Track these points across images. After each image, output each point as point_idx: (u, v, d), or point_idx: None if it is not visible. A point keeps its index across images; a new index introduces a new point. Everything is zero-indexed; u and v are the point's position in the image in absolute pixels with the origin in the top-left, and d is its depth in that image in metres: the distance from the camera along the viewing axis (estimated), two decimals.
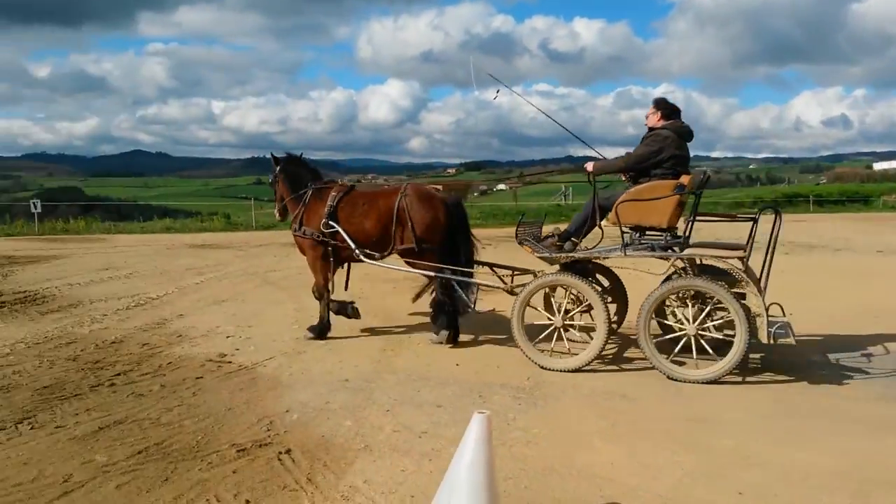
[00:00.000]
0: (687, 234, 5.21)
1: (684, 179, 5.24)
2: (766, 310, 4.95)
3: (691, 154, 5.55)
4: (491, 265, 6.30)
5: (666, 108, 5.60)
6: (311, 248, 6.55)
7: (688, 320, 5.10)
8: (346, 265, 6.75)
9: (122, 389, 4.93)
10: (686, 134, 5.54)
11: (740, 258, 5.05)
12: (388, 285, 9.49)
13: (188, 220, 26.87)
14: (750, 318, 4.89)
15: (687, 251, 5.21)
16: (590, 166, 5.58)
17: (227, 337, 6.60)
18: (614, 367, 5.52)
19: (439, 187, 6.29)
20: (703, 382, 4.98)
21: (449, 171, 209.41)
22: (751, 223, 5.38)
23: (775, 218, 5.37)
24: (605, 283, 6.22)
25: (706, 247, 5.52)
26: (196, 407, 4.56)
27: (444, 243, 6.11)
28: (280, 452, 3.80)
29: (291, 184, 6.85)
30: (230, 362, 5.66)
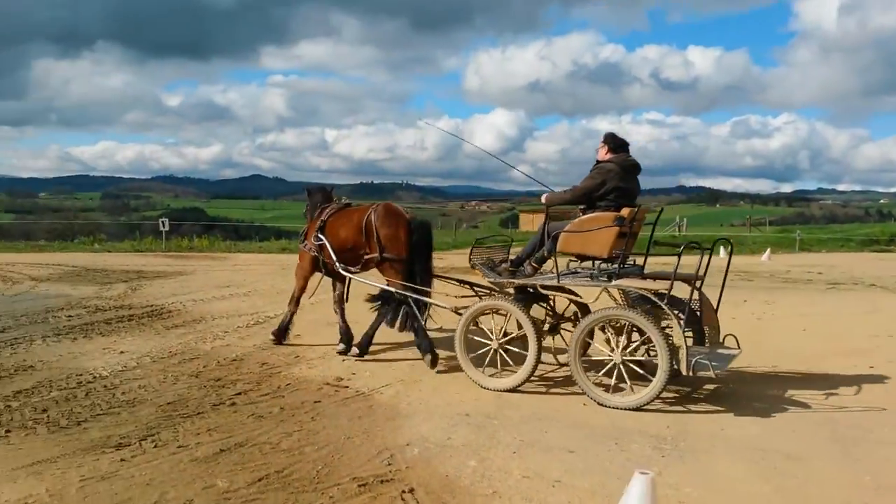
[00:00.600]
0: (641, 263, 5.60)
1: (624, 212, 5.41)
2: (712, 339, 5.46)
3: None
4: (449, 279, 6.87)
5: (613, 143, 5.80)
6: (303, 258, 7.32)
7: (616, 348, 5.17)
8: (346, 281, 7.14)
9: (243, 410, 4.86)
10: (631, 167, 5.71)
11: (665, 289, 5.06)
12: None
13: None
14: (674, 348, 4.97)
15: (616, 281, 5.31)
16: (544, 198, 5.89)
17: (343, 360, 6.47)
18: (762, 414, 4.91)
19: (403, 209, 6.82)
20: (627, 409, 5.00)
21: None
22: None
23: (730, 249, 6.21)
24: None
25: (656, 277, 5.48)
26: (315, 433, 4.39)
27: (404, 258, 6.43)
28: (403, 491, 3.54)
29: (311, 208, 7.56)
30: (347, 387, 5.50)
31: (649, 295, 5.22)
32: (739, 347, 5.54)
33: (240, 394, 5.25)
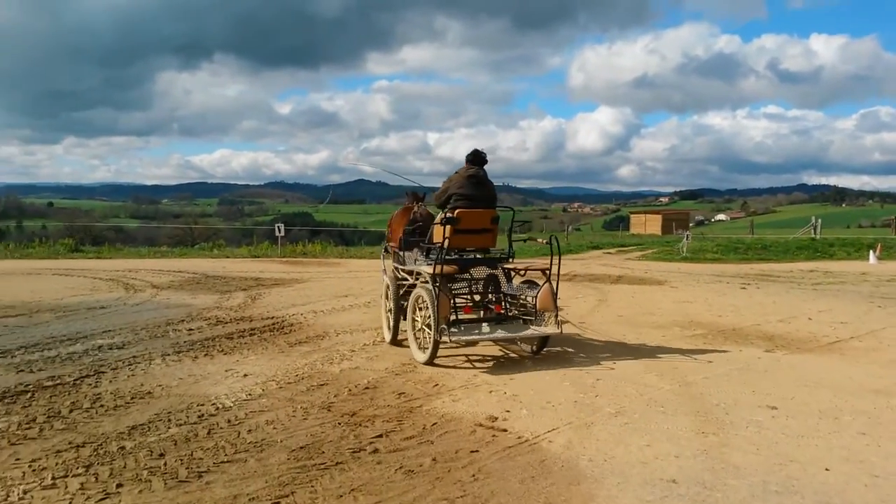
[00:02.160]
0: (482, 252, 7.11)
1: (457, 213, 6.72)
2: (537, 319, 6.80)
3: None
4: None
5: (469, 157, 7.11)
6: None
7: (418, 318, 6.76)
8: None
9: (388, 460, 3.99)
10: (472, 177, 6.96)
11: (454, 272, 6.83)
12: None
13: None
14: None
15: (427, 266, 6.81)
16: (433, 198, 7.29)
17: (490, 391, 5.52)
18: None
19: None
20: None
21: (661, 199, 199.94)
22: None
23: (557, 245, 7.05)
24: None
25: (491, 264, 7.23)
26: (484, 501, 3.45)
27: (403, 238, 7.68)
28: None
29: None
30: (505, 430, 4.54)
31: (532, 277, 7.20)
32: (560, 330, 6.65)
33: (381, 436, 4.40)
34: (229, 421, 4.69)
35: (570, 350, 7.15)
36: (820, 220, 35.25)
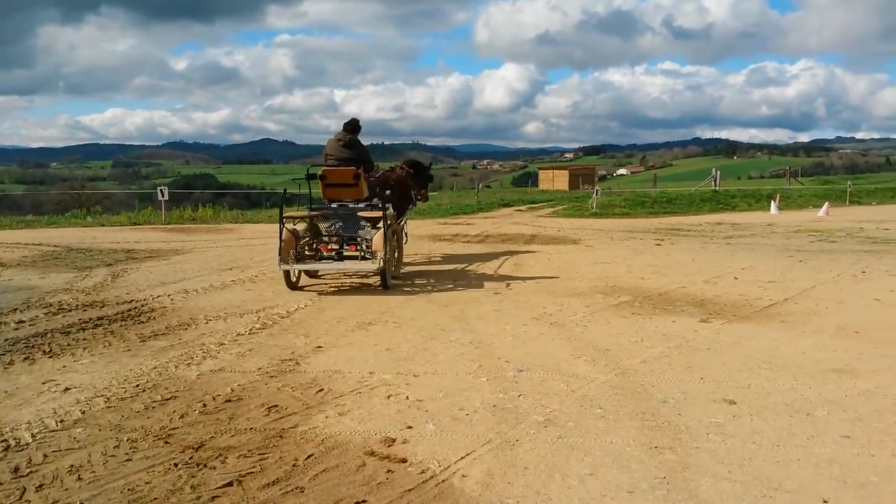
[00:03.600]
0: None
1: (322, 171, 8.53)
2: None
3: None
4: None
5: (344, 123, 8.99)
6: None
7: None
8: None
9: None
10: (334, 141, 8.84)
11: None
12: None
13: None
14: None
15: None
16: None
17: (388, 395, 4.38)
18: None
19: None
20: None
21: (566, 155, 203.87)
22: None
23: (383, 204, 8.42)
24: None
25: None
26: None
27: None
28: None
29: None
30: (405, 460, 3.41)
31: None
32: (379, 267, 7.96)
33: (231, 483, 3.17)
34: (16, 469, 3.33)
35: (484, 332, 6.11)
36: (719, 172, 36.06)
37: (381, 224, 8.12)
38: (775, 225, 18.81)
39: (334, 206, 8.68)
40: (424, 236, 15.67)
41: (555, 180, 67.59)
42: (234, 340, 5.85)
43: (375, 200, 8.66)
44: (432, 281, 8.99)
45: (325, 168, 8.50)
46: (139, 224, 19.58)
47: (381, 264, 7.95)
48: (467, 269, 10.21)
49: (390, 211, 8.51)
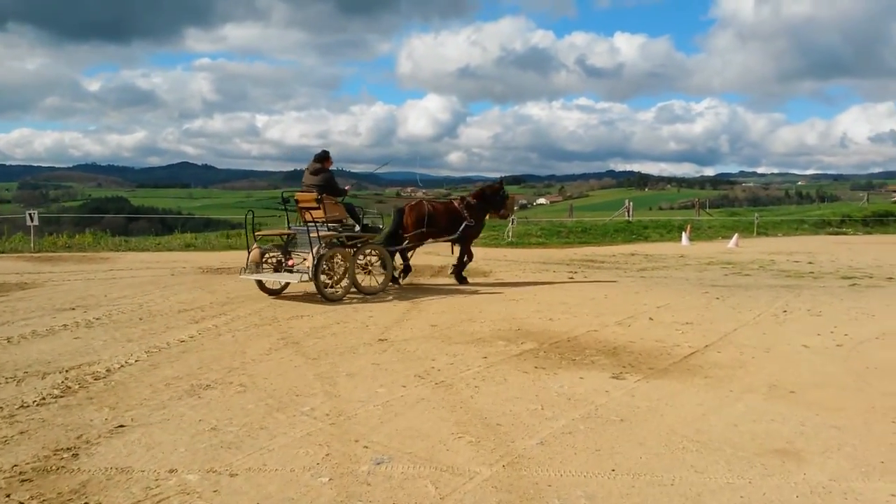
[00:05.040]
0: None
1: (296, 195, 9.89)
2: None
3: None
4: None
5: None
6: None
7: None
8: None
9: None
10: (307, 170, 10.15)
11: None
12: None
13: (213, 235, 23.79)
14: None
15: None
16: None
17: None
18: None
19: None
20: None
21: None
22: None
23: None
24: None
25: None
26: None
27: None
28: None
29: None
30: None
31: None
32: (296, 280, 9.31)
33: None
34: None
35: (350, 397, 4.87)
36: (632, 203, 36.38)
37: (337, 242, 9.76)
38: (687, 256, 18.49)
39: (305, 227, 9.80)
40: None
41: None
42: (9, 416, 4.37)
43: (350, 222, 10.14)
44: (308, 324, 7.67)
45: (297, 193, 9.89)
46: (4, 252, 17.29)
47: (306, 277, 9.14)
48: (356, 307, 8.96)
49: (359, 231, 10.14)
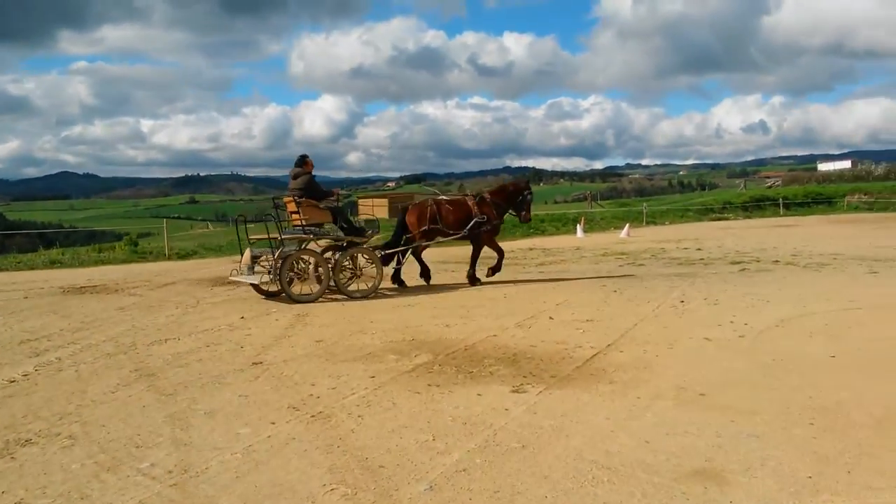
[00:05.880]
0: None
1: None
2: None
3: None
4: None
5: None
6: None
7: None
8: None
9: None
10: (291, 173, 10.22)
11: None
12: None
13: (84, 250, 21.73)
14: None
15: None
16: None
17: None
18: None
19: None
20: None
21: (389, 184, 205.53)
22: None
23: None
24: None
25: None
26: None
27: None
28: None
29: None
30: None
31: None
32: (255, 283, 9.83)
33: None
34: None
35: (205, 444, 4.06)
36: (598, 194, 36.71)
37: (313, 245, 10.29)
38: (583, 248, 18.55)
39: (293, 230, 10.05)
40: (200, 280, 13.13)
41: (375, 209, 66.54)
42: None
43: (330, 227, 10.15)
44: (171, 350, 6.71)
45: (284, 198, 10.29)
46: None
47: (266, 278, 9.52)
48: (233, 324, 8.04)
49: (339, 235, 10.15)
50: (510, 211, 11.55)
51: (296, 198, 9.80)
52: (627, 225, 25.81)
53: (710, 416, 4.17)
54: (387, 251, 10.87)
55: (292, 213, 10.03)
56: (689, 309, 8.17)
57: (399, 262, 11.01)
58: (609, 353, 5.99)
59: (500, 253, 11.41)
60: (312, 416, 4.43)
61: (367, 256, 10.38)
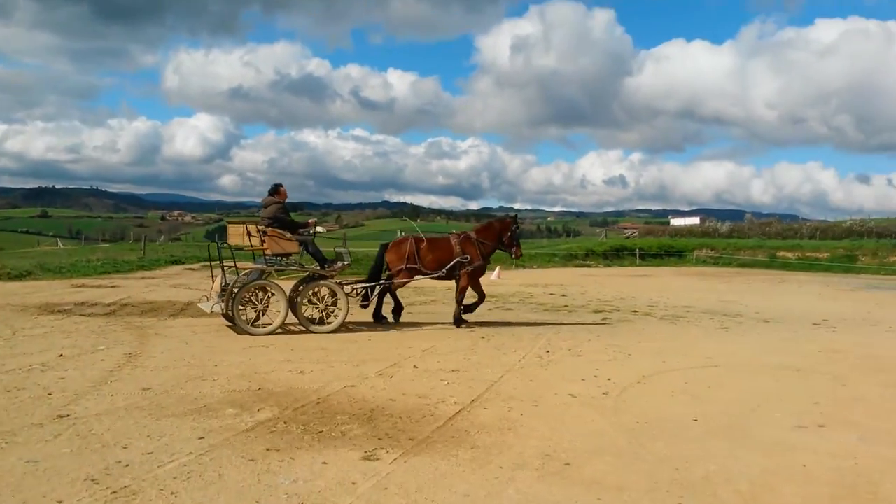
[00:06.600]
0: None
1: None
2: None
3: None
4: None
5: None
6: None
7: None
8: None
9: None
10: (263, 202, 10.13)
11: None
12: None
13: None
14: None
15: None
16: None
17: None
18: None
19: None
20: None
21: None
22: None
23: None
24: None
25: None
26: None
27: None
28: None
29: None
30: None
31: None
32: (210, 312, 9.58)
33: None
34: None
35: None
36: (404, 234, 36.53)
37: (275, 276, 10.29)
38: (455, 289, 18.37)
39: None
40: (25, 306, 11.53)
41: (244, 236, 63.79)
42: None
43: (296, 258, 10.02)
44: None
45: (249, 224, 9.88)
46: None
47: (218, 308, 9.43)
48: (48, 363, 6.89)
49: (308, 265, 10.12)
50: (500, 248, 11.29)
51: (261, 227, 9.61)
52: (498, 267, 26.10)
53: (576, 491, 3.82)
54: (360, 286, 10.54)
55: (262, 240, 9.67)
56: (553, 360, 8.00)
57: (366, 299, 10.63)
58: (473, 411, 5.58)
59: (481, 297, 11.06)
60: (114, 493, 3.62)
61: (333, 290, 9.85)
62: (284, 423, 5.07)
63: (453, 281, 10.97)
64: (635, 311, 13.74)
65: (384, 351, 8.27)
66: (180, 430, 4.80)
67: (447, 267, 10.57)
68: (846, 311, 14.78)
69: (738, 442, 4.77)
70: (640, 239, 57.13)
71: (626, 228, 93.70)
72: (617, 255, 41.97)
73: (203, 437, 4.65)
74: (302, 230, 10.16)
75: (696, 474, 4.08)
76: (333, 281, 9.93)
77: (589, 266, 36.70)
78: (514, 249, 11.21)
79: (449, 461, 4.31)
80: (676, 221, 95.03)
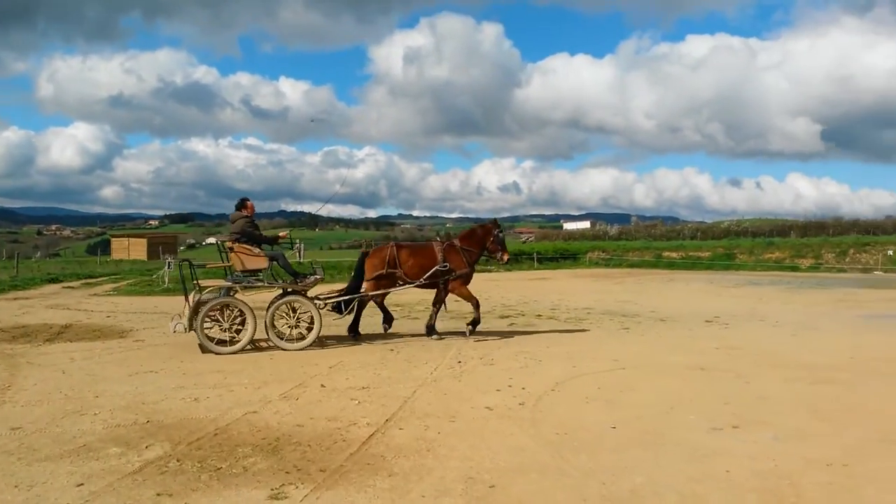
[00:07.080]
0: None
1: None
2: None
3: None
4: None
5: None
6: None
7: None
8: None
9: None
10: (231, 217, 9.80)
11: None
12: None
13: None
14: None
15: None
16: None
17: None
18: None
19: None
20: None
21: (151, 222, 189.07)
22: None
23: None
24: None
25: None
26: None
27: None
28: None
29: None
30: None
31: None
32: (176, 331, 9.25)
33: None
34: None
35: None
36: (303, 244, 35.53)
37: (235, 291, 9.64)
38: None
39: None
40: None
41: (131, 249, 60.45)
42: None
43: (265, 274, 9.49)
44: None
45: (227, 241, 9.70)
46: None
47: (181, 328, 9.12)
48: None
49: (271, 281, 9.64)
50: (486, 254, 11.14)
51: (226, 242, 9.59)
52: None
53: None
54: (341, 298, 10.24)
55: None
56: (466, 370, 7.81)
57: (340, 311, 10.31)
58: (388, 432, 5.27)
59: (476, 303, 10.76)
60: None
61: (304, 305, 9.55)
62: (177, 460, 4.56)
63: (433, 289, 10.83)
64: (539, 316, 13.86)
65: (288, 370, 7.79)
66: (55, 477, 4.20)
67: (427, 275, 10.37)
68: (733, 307, 15.60)
69: (659, 449, 4.73)
70: (537, 243, 58.78)
71: (521, 233, 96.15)
72: (516, 260, 42.75)
73: (82, 484, 4.08)
74: (275, 245, 10.00)
75: (623, 488, 3.97)
76: (305, 296, 9.66)
77: (490, 271, 37.19)
78: (500, 254, 11.06)
79: (366, 493, 3.98)
80: (569, 226, 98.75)
